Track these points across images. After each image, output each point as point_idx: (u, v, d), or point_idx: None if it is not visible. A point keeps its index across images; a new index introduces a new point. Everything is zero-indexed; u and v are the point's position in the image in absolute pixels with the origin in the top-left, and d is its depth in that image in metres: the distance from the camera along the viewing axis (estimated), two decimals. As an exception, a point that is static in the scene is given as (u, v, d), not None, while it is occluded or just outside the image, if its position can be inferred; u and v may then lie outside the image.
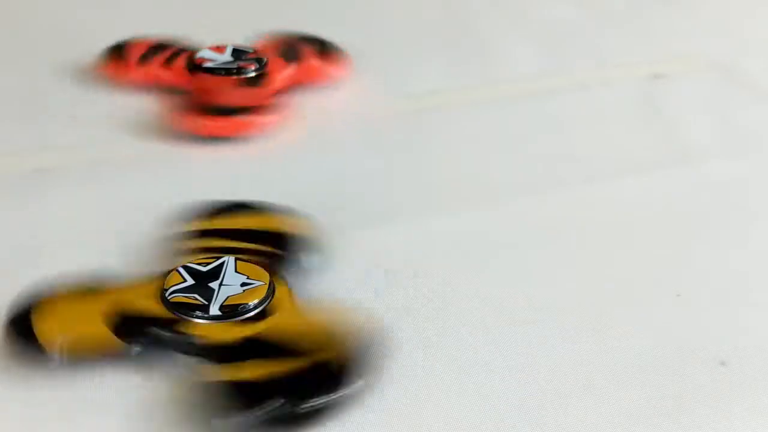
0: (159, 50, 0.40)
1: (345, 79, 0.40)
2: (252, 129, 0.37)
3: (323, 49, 0.42)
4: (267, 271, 0.27)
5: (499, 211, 0.33)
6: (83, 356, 0.25)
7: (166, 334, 0.25)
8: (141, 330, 0.25)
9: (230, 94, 0.38)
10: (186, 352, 0.25)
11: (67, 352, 0.25)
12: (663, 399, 0.25)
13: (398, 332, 0.27)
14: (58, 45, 0.45)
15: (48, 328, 0.25)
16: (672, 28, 0.49)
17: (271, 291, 0.26)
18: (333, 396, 0.23)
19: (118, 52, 0.41)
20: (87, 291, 0.26)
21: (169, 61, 0.39)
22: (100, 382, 0.25)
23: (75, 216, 0.32)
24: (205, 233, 0.29)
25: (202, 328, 0.25)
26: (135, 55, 0.40)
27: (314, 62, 0.41)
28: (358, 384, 0.24)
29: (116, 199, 0.33)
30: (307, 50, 0.41)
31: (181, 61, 0.39)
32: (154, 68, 0.39)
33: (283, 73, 0.39)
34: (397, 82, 0.42)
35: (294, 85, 0.40)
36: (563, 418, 0.24)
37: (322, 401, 0.23)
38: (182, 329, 0.25)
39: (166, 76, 0.39)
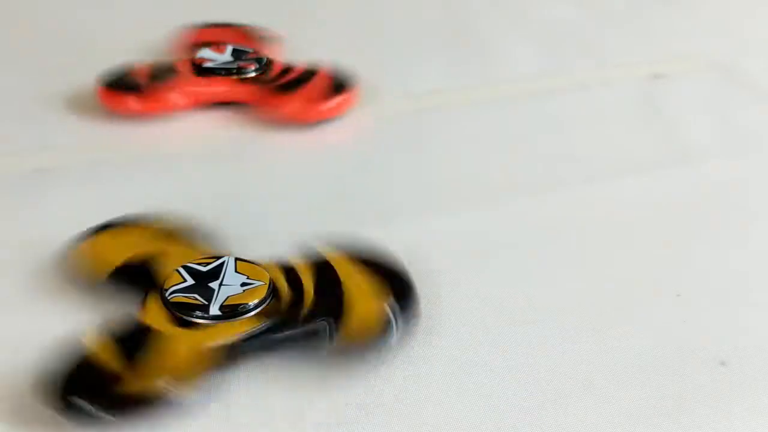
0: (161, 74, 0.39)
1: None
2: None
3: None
4: None
5: (499, 211, 0.33)
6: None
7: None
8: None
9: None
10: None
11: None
12: (663, 399, 0.25)
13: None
14: (59, 45, 0.45)
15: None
16: (672, 28, 0.49)
17: (270, 291, 0.26)
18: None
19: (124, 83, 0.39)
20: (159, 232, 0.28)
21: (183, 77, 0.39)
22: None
23: (75, 216, 0.32)
24: None
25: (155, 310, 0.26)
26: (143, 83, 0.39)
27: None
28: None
29: (116, 199, 0.33)
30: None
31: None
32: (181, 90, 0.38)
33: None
34: (397, 82, 0.42)
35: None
36: (563, 418, 0.24)
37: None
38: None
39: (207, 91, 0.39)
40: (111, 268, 0.27)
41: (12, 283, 0.28)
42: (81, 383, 0.24)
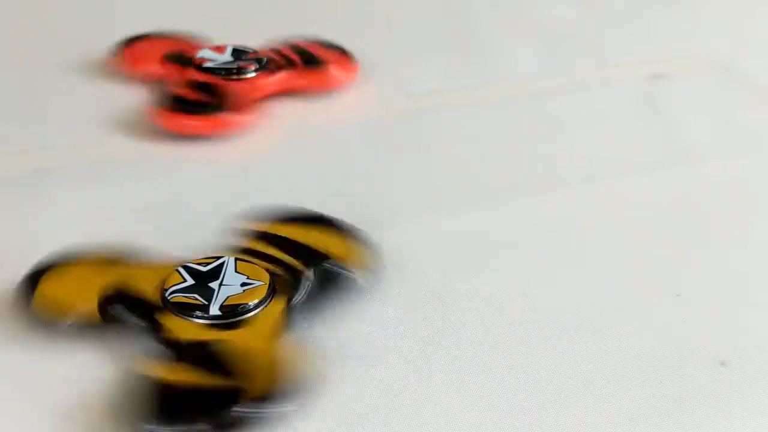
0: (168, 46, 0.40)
1: (350, 86, 0.40)
2: (233, 128, 0.37)
3: (338, 55, 0.41)
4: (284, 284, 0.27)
5: (499, 211, 0.33)
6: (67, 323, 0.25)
7: (134, 319, 0.25)
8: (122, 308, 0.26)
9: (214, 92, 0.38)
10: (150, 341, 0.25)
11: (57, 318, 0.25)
12: (663, 399, 0.25)
13: (398, 332, 0.27)
14: (59, 45, 0.45)
15: (50, 292, 0.26)
16: (672, 28, 0.49)
17: (270, 291, 0.26)
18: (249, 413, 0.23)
19: (129, 44, 0.41)
20: (104, 262, 0.27)
21: (171, 58, 0.40)
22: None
23: (75, 216, 0.32)
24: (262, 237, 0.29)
25: (171, 322, 0.25)
26: (147, 49, 0.40)
27: (328, 69, 0.40)
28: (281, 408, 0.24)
29: (117, 199, 0.33)
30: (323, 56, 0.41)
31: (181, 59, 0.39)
32: (156, 63, 0.40)
33: (276, 76, 0.39)
34: (397, 82, 0.42)
35: (290, 89, 0.40)
36: (563, 418, 0.24)
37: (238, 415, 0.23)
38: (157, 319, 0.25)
39: (163, 71, 0.39)
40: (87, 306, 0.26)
41: (11, 284, 0.28)
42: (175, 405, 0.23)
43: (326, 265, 0.28)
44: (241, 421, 0.23)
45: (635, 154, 0.37)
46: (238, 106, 0.37)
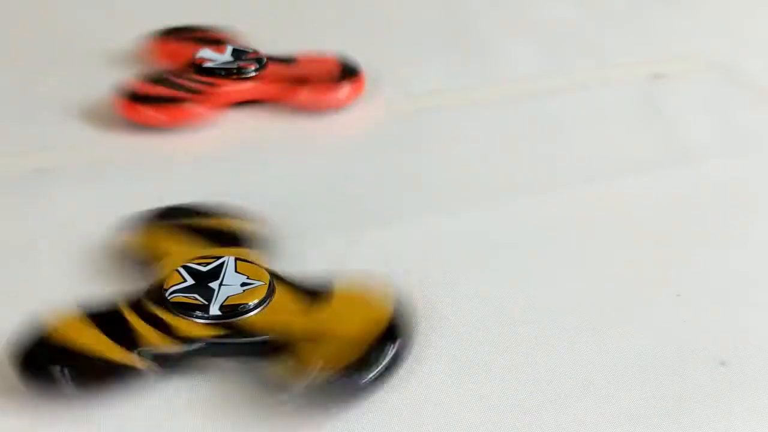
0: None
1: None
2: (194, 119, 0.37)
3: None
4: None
5: (499, 211, 0.33)
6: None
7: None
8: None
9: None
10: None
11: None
12: (663, 399, 0.25)
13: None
14: (59, 45, 0.45)
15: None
16: (672, 28, 0.49)
17: (270, 291, 0.26)
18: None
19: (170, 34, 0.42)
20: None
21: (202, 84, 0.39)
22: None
23: (75, 216, 0.32)
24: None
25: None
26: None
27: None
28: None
29: (117, 199, 0.33)
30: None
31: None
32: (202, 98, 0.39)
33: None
34: (397, 82, 0.42)
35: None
36: (563, 418, 0.24)
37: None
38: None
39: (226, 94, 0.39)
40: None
41: (12, 284, 0.28)
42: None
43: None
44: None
45: (635, 154, 0.37)
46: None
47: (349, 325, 0.25)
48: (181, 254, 0.27)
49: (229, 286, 0.26)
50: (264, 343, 0.25)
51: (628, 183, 0.35)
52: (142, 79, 0.38)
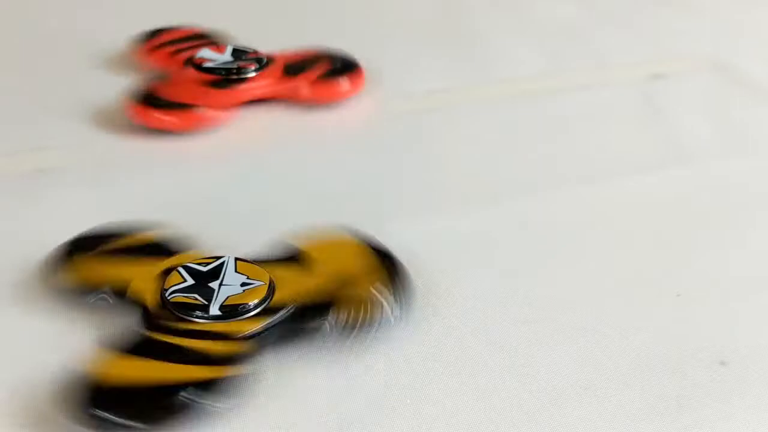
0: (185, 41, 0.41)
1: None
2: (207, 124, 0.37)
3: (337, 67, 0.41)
4: None
5: (499, 211, 0.33)
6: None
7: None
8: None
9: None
10: None
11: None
12: (663, 399, 0.25)
13: (398, 331, 0.27)
14: (58, 44, 0.45)
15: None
16: (672, 28, 0.49)
17: (270, 291, 0.26)
18: None
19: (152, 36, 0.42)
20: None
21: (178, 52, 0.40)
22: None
23: (75, 216, 0.32)
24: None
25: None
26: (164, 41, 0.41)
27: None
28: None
29: (117, 199, 0.33)
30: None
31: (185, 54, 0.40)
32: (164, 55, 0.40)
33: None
34: (397, 82, 0.42)
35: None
36: (563, 418, 0.24)
37: None
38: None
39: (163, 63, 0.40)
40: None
41: (10, 285, 0.28)
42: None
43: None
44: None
45: (635, 154, 0.37)
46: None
47: (348, 261, 0.27)
48: (142, 273, 0.27)
49: (229, 286, 0.26)
50: (310, 308, 0.26)
51: (628, 183, 0.35)
52: (150, 81, 0.38)
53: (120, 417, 0.23)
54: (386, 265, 0.28)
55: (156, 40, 0.42)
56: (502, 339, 0.27)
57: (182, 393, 0.23)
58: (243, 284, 0.26)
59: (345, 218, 0.31)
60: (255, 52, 0.40)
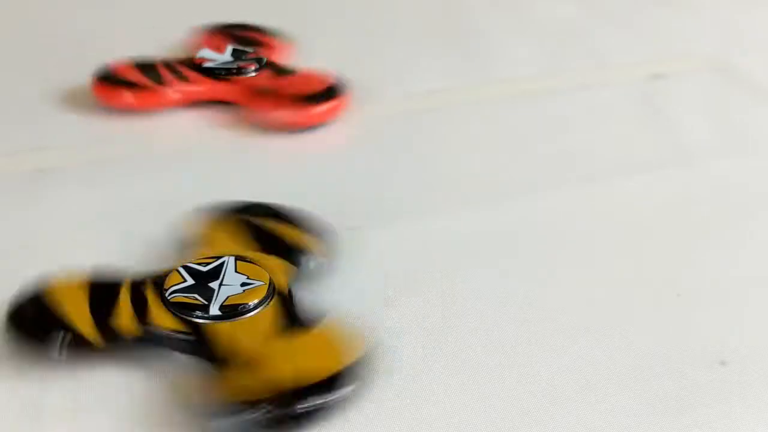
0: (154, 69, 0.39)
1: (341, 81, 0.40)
2: (315, 119, 0.37)
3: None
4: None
5: (499, 211, 0.33)
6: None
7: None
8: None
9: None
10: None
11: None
12: (663, 399, 0.25)
13: (398, 331, 0.27)
14: (58, 45, 0.45)
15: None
16: (672, 28, 0.49)
17: (271, 291, 0.26)
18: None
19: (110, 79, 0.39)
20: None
21: (179, 75, 0.39)
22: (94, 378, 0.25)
23: (75, 216, 0.32)
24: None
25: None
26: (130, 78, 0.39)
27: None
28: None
29: (117, 199, 0.33)
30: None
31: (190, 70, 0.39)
32: (173, 87, 0.38)
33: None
34: (397, 82, 0.42)
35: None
36: (563, 418, 0.24)
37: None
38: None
39: (198, 90, 0.39)
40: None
41: (11, 285, 0.28)
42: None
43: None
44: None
45: (635, 154, 0.37)
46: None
47: (299, 365, 0.24)
48: (222, 249, 0.28)
49: (229, 286, 0.26)
50: (212, 354, 0.25)
51: (628, 183, 0.35)
52: (122, 63, 0.39)
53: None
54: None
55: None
56: (501, 339, 0.27)
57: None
58: (243, 284, 0.26)
59: (344, 218, 0.31)
60: (255, 51, 0.40)
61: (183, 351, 0.25)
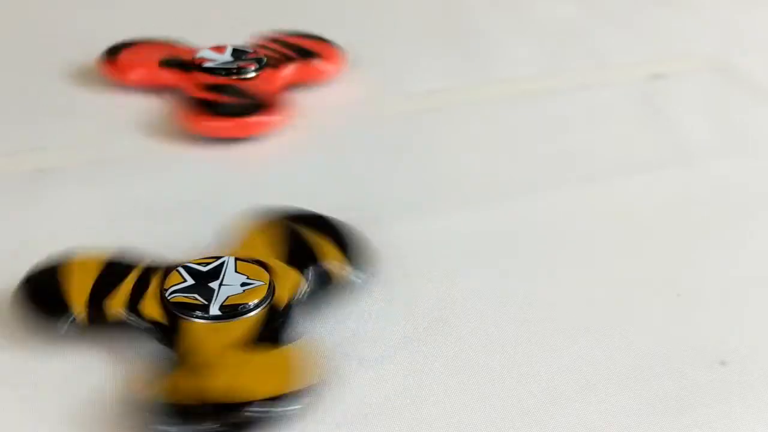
0: (159, 52, 0.40)
1: (342, 76, 0.40)
2: (257, 129, 0.37)
3: (320, 45, 0.42)
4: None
5: (499, 211, 0.33)
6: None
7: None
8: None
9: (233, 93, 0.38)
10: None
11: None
12: (663, 399, 0.25)
13: (398, 332, 0.27)
14: (59, 45, 0.45)
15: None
16: (672, 28, 0.49)
17: (271, 291, 0.26)
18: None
19: (116, 52, 0.40)
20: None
21: (169, 63, 0.39)
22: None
23: (75, 216, 0.32)
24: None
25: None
26: (135, 56, 0.40)
27: (312, 60, 0.41)
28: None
29: (117, 199, 0.33)
30: (305, 47, 0.41)
31: (180, 62, 0.39)
32: (154, 69, 0.39)
33: (283, 72, 0.39)
34: (397, 82, 0.42)
35: (292, 84, 0.40)
36: (563, 418, 0.24)
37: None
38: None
39: (167, 77, 0.39)
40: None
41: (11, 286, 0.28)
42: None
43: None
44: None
45: (635, 154, 0.37)
46: (268, 106, 0.37)
47: (240, 380, 0.24)
48: (249, 253, 0.28)
49: (229, 286, 0.26)
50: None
51: (628, 183, 0.35)
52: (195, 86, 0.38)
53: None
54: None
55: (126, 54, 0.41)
56: (501, 339, 0.27)
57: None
58: (243, 284, 0.26)
59: (344, 218, 0.31)
60: (255, 51, 0.40)
61: (161, 343, 0.25)
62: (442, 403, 0.25)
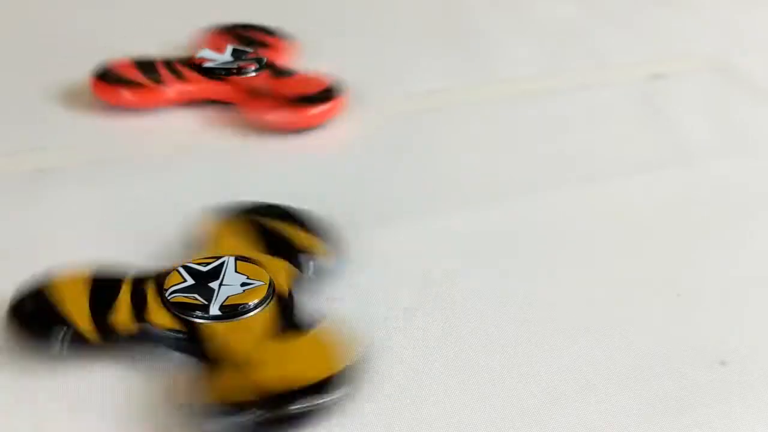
0: (152, 67, 0.39)
1: (340, 79, 0.40)
2: (311, 121, 0.37)
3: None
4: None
5: (499, 210, 0.33)
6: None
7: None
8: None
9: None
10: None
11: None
12: (663, 399, 0.25)
13: (398, 332, 0.27)
14: (59, 45, 0.45)
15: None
16: (672, 28, 0.49)
17: (271, 291, 0.26)
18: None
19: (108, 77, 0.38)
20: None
21: (178, 74, 0.39)
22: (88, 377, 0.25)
23: (75, 216, 0.32)
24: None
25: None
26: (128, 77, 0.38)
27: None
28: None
29: (116, 199, 0.33)
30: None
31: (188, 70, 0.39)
32: (171, 86, 0.38)
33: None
34: (396, 82, 0.42)
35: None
36: (563, 418, 0.24)
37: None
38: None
39: (196, 89, 0.39)
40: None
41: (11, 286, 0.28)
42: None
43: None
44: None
45: (635, 154, 0.37)
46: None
47: (289, 368, 0.24)
48: (228, 249, 0.28)
49: (229, 286, 0.26)
50: (205, 354, 0.25)
51: (628, 183, 0.35)
52: (121, 61, 0.39)
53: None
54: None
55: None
56: (501, 339, 0.27)
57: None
58: (243, 284, 0.26)
59: (344, 219, 0.31)
60: (255, 51, 0.40)
61: (178, 350, 0.25)
62: (442, 403, 0.25)
